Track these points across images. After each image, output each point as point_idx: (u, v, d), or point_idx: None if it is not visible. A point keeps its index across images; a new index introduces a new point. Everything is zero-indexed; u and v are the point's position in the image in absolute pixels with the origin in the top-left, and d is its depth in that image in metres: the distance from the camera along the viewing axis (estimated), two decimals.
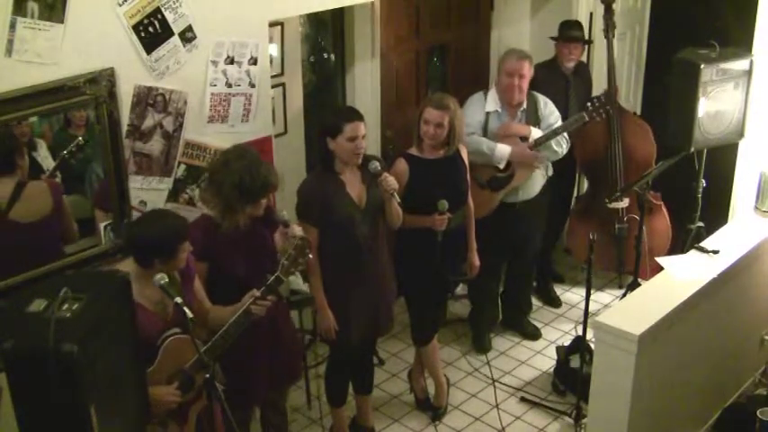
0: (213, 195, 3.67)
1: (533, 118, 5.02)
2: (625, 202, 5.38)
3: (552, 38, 5.65)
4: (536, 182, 5.14)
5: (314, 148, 5.51)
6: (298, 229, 3.71)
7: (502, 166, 4.93)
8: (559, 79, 5.58)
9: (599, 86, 5.97)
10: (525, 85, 4.93)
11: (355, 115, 4.05)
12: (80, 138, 3.70)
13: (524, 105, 5.00)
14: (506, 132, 4.95)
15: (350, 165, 4.09)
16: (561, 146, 5.02)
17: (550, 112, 5.08)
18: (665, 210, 5.70)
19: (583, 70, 5.79)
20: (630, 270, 5.47)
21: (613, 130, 5.51)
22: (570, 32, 5.58)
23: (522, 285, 5.72)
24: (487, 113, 4.98)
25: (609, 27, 5.47)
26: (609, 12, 5.46)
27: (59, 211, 3.74)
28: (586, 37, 5.82)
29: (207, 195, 3.72)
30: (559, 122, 5.07)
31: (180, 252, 3.35)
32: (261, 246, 3.69)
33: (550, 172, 5.26)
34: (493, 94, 5.02)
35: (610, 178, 5.55)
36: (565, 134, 4.99)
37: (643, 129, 5.49)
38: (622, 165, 5.52)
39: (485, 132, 4.96)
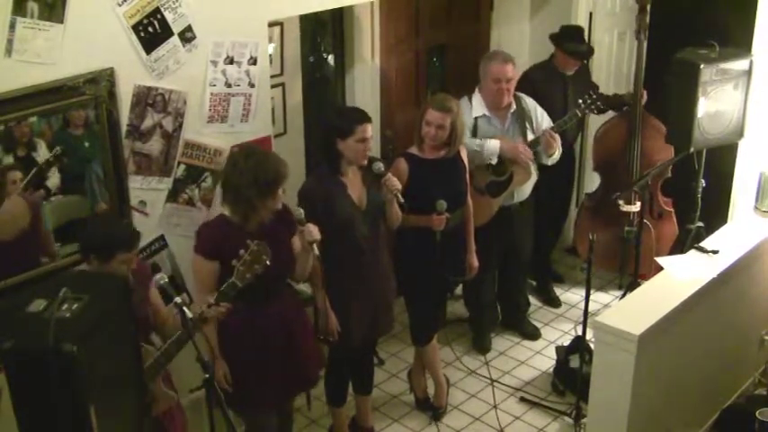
0: (233, 200, 3.66)
1: (523, 117, 5.02)
2: (637, 206, 5.38)
3: (552, 39, 5.61)
4: (530, 183, 5.14)
5: (314, 148, 5.52)
6: (314, 228, 3.72)
7: (494, 162, 4.91)
8: (557, 79, 5.56)
9: (600, 86, 5.97)
10: (512, 87, 4.93)
11: (365, 117, 4.07)
12: (57, 148, 3.66)
13: (513, 107, 5.00)
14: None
15: (355, 165, 4.10)
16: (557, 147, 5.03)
17: (541, 114, 5.09)
18: (674, 217, 5.71)
19: (581, 70, 5.77)
20: (632, 272, 5.46)
21: (634, 133, 5.51)
22: (575, 47, 5.52)
23: (519, 285, 5.72)
24: (476, 118, 4.97)
25: (641, 28, 5.44)
26: (643, 12, 5.41)
27: (37, 228, 3.69)
28: (587, 39, 5.81)
29: (227, 202, 3.71)
30: (548, 121, 5.09)
31: (114, 260, 3.36)
32: (275, 245, 3.68)
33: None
34: (478, 99, 4.99)
35: (625, 180, 5.54)
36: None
37: (663, 133, 5.45)
38: (639, 167, 5.53)
39: (475, 136, 4.94)
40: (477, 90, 5.03)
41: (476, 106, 4.98)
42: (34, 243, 3.72)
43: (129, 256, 3.40)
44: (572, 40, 5.55)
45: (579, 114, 5.07)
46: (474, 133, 4.94)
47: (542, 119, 5.09)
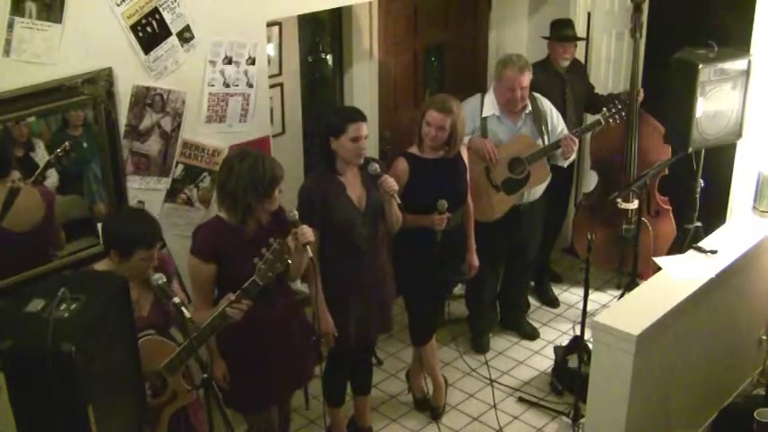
0: (231, 205, 3.65)
1: (539, 119, 5.02)
2: (635, 204, 5.39)
3: (545, 37, 5.66)
4: (544, 183, 5.15)
5: (312, 148, 5.52)
6: (308, 230, 3.71)
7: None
8: (555, 78, 5.58)
9: (597, 85, 5.98)
10: (527, 92, 4.93)
11: (358, 115, 4.05)
12: (66, 143, 3.66)
13: (529, 108, 5.00)
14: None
15: (351, 165, 4.09)
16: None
17: (557, 116, 5.10)
18: (671, 215, 5.72)
19: (578, 68, 5.80)
20: (631, 271, 5.47)
21: (631, 132, 5.52)
22: (563, 32, 5.60)
23: (521, 286, 5.73)
24: (485, 119, 4.97)
25: (637, 27, 5.45)
26: (638, 11, 5.43)
27: (51, 220, 3.70)
28: (581, 35, 5.83)
29: (224, 207, 3.70)
30: (563, 125, 5.11)
31: (134, 256, 3.34)
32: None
33: None
34: (491, 99, 4.99)
35: (622, 178, 5.57)
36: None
37: (660, 132, 5.47)
38: (636, 166, 5.54)
39: (484, 136, 4.95)
40: (491, 89, 5.04)
41: (487, 106, 4.98)
42: (47, 236, 3.72)
43: (149, 254, 3.38)
44: (562, 28, 5.62)
45: (603, 123, 5.12)
46: (483, 133, 4.94)
47: (558, 121, 5.10)
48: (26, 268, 3.61)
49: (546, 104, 5.09)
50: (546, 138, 5.03)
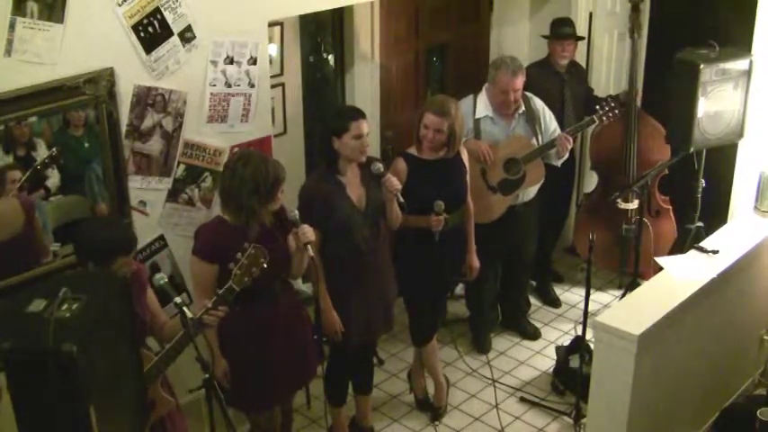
0: (236, 209, 3.66)
1: (533, 119, 5.02)
2: (635, 204, 5.39)
3: (545, 36, 5.67)
4: (538, 184, 5.14)
5: (314, 147, 5.52)
6: (308, 230, 3.73)
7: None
8: (553, 78, 5.59)
9: (599, 86, 5.98)
10: (520, 95, 4.94)
11: (358, 113, 4.07)
12: (53, 149, 3.64)
13: (522, 108, 5.00)
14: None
15: (353, 164, 4.09)
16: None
17: (550, 116, 5.10)
18: (672, 214, 5.72)
19: (576, 69, 5.80)
20: (632, 271, 5.46)
21: (630, 132, 5.52)
22: (562, 30, 5.59)
23: (521, 287, 5.72)
24: (478, 120, 4.97)
25: (635, 27, 5.45)
26: (636, 11, 5.44)
27: (30, 232, 3.64)
28: (582, 35, 5.83)
29: (229, 210, 3.70)
30: (556, 124, 5.11)
31: (116, 263, 3.31)
32: (272, 249, 3.68)
33: None
34: (484, 100, 4.99)
35: (622, 179, 5.56)
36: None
37: (659, 132, 5.48)
38: (636, 166, 5.54)
39: (478, 137, 4.95)
40: (484, 90, 5.03)
41: (480, 107, 4.98)
42: (26, 247, 3.67)
43: (128, 260, 3.37)
44: (561, 26, 5.62)
45: (597, 121, 5.12)
46: (476, 134, 4.94)
47: (550, 120, 5.10)
48: (3, 278, 3.58)
49: (538, 104, 5.09)
50: (539, 137, 5.03)
